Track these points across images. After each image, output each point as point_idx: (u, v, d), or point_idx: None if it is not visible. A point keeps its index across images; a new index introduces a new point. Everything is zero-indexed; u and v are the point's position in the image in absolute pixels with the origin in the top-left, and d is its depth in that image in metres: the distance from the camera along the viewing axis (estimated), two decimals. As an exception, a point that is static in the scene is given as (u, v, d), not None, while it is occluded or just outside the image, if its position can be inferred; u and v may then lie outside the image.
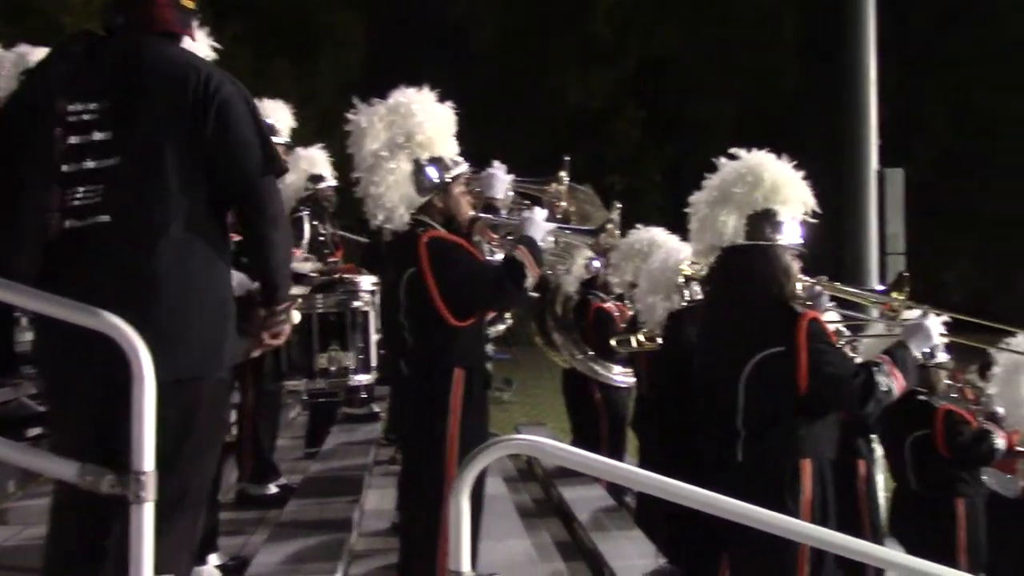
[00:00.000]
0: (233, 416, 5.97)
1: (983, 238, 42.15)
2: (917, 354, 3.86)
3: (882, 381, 3.64)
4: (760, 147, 3.86)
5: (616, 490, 6.79)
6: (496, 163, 4.43)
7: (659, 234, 5.52)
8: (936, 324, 3.94)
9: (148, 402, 2.33)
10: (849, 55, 10.25)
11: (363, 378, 4.79)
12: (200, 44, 4.27)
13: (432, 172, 3.95)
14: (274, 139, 5.52)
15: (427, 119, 3.99)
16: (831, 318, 4.96)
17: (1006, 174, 42.23)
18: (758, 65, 38.25)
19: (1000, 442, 5.69)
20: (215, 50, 4.35)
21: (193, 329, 2.67)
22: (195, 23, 3.02)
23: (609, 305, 6.86)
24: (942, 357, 5.92)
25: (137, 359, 2.33)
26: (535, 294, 7.02)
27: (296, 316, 3.09)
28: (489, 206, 4.32)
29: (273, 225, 2.82)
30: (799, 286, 3.91)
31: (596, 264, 6.68)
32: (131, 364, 2.33)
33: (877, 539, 5.94)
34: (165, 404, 2.40)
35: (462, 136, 4.21)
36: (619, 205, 4.98)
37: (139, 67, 2.73)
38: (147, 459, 2.34)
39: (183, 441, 2.63)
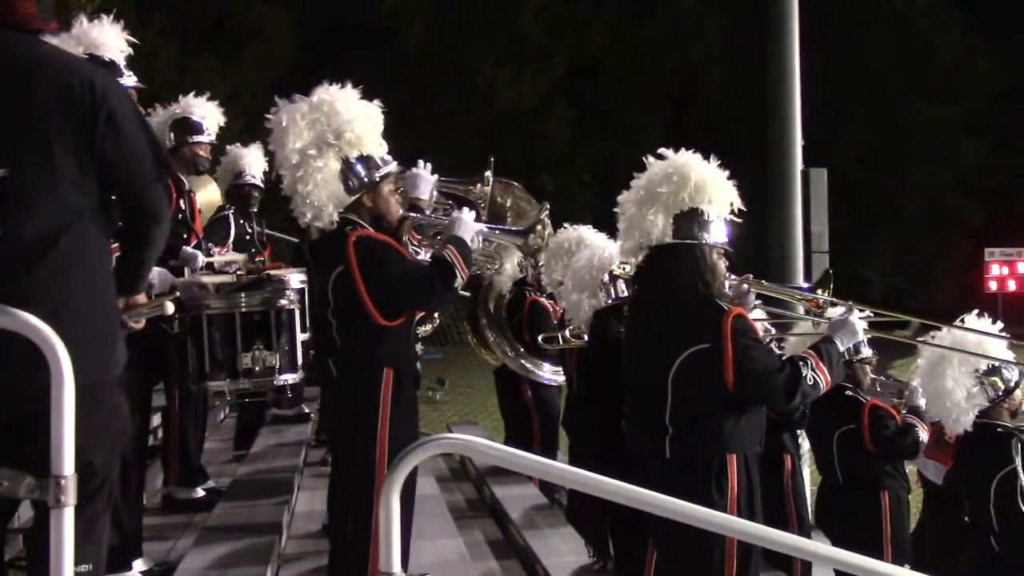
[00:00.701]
0: (157, 419, 5.88)
1: (902, 236, 43.28)
2: (842, 349, 3.93)
3: (808, 376, 3.71)
4: (688, 147, 3.90)
5: (548, 488, 6.81)
6: (421, 163, 4.41)
7: (587, 232, 5.54)
8: (860, 320, 4.02)
9: (68, 405, 2.28)
10: (772, 57, 10.42)
11: (289, 377, 4.73)
12: (117, 39, 4.21)
13: (361, 171, 3.92)
14: (199, 139, 5.54)
15: (356, 117, 3.96)
16: (757, 316, 5.04)
17: (923, 173, 43.42)
18: (685, 66, 38.71)
19: (923, 435, 5.84)
20: (135, 46, 4.29)
21: (89, 333, 2.68)
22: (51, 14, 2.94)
23: (544, 300, 6.87)
24: (867, 352, 6.06)
25: (56, 360, 2.27)
26: (466, 293, 7.02)
27: (170, 307, 3.14)
28: (413, 206, 4.30)
29: (158, 226, 2.91)
30: (726, 284, 3.95)
31: (528, 263, 6.69)
32: (50, 366, 2.27)
33: (804, 532, 6.05)
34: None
35: (391, 135, 4.19)
36: (548, 205, 4.98)
37: (18, 72, 2.67)
38: (67, 463, 2.28)
39: (90, 444, 2.60)
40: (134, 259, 2.97)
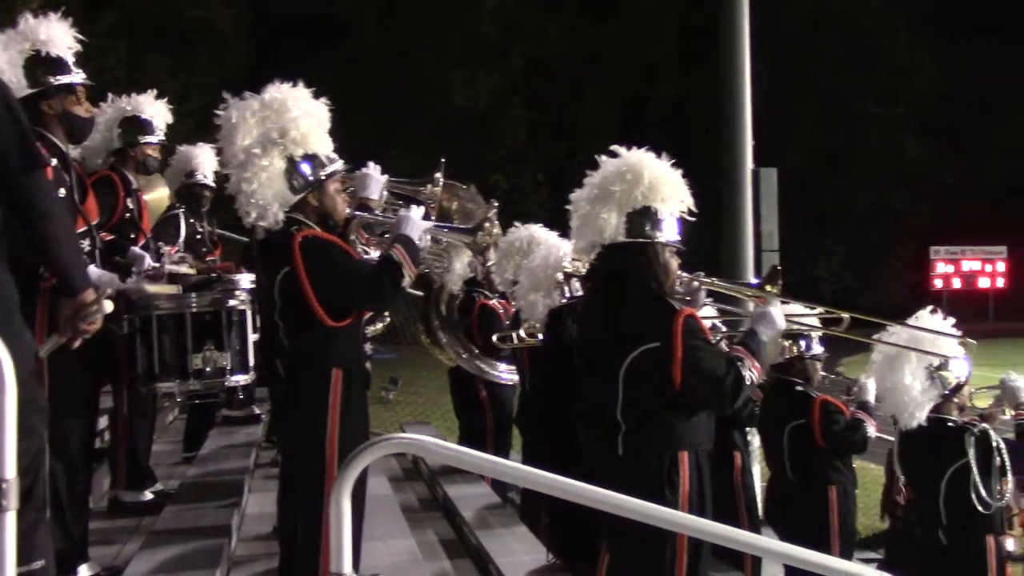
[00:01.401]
0: (104, 421, 5.79)
1: (851, 235, 43.92)
2: (765, 340, 3.97)
3: (746, 375, 3.76)
4: (643, 147, 3.92)
5: (501, 487, 6.82)
6: (371, 164, 4.38)
7: (538, 231, 5.55)
8: (781, 310, 4.06)
9: (9, 409, 2.23)
10: (723, 58, 10.54)
11: (240, 378, 4.68)
12: (64, 35, 4.14)
13: (306, 169, 3.89)
14: (149, 139, 5.46)
15: (301, 115, 3.93)
16: (708, 314, 5.08)
17: (871, 173, 44.11)
18: (640, 67, 38.98)
19: (871, 431, 5.93)
20: (82, 44, 4.22)
21: None
22: None
23: (493, 302, 6.87)
24: (817, 350, 6.14)
25: (-4, 363, 2.22)
26: (419, 293, 7.00)
27: (109, 305, 3.08)
28: (363, 206, 4.27)
29: (47, 219, 2.83)
30: (678, 282, 3.98)
31: (478, 261, 6.68)
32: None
33: (754, 528, 6.12)
34: None
35: (345, 134, 4.16)
36: (496, 203, 4.98)
37: None
38: (8, 466, 2.23)
39: None
40: (44, 260, 2.95)
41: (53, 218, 2.85)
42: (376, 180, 4.31)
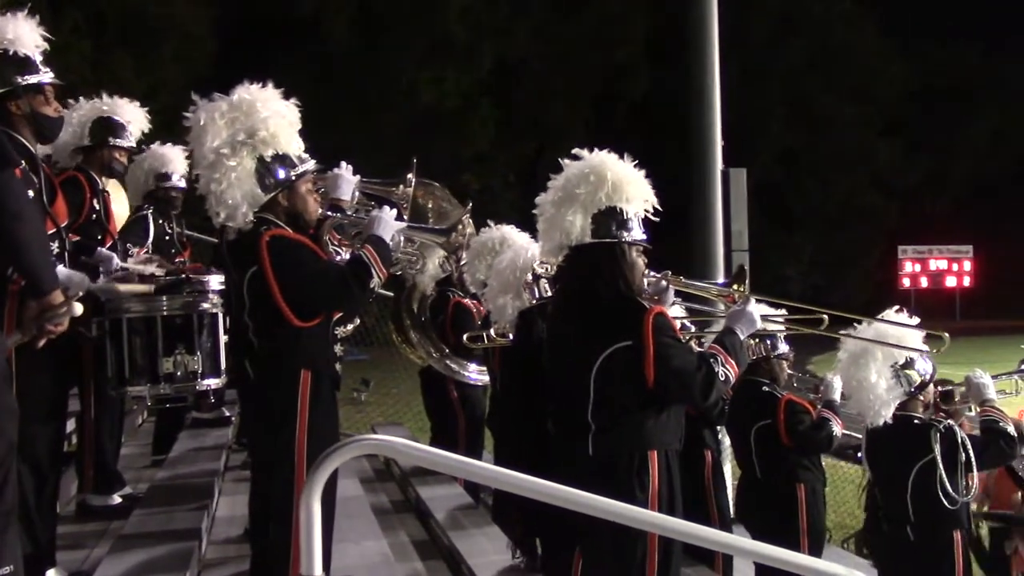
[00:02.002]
0: (72, 424, 5.73)
1: (820, 234, 44.30)
2: (743, 338, 4.01)
3: (720, 371, 3.79)
4: (611, 146, 3.94)
5: (473, 488, 6.82)
6: (343, 164, 4.37)
7: (509, 232, 5.56)
8: (758, 309, 4.10)
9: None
10: (692, 58, 10.58)
11: (212, 382, 4.65)
12: (32, 34, 4.10)
13: (276, 169, 3.87)
14: (119, 142, 5.40)
15: (271, 115, 3.91)
16: (677, 313, 5.11)
17: (840, 173, 44.49)
18: (609, 67, 39.09)
19: (837, 429, 5.98)
20: (49, 41, 4.17)
21: None
22: None
23: (467, 301, 6.87)
24: (783, 349, 6.18)
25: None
26: (389, 293, 6.98)
27: (78, 307, 3.06)
28: (335, 207, 4.26)
29: (16, 219, 2.84)
30: (645, 281, 4.00)
31: (450, 262, 6.68)
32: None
33: (725, 527, 6.16)
34: None
35: (314, 134, 4.14)
36: (471, 203, 4.98)
37: None
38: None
39: None
40: (14, 261, 2.93)
41: (23, 219, 2.84)
42: (348, 180, 4.31)
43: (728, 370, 3.85)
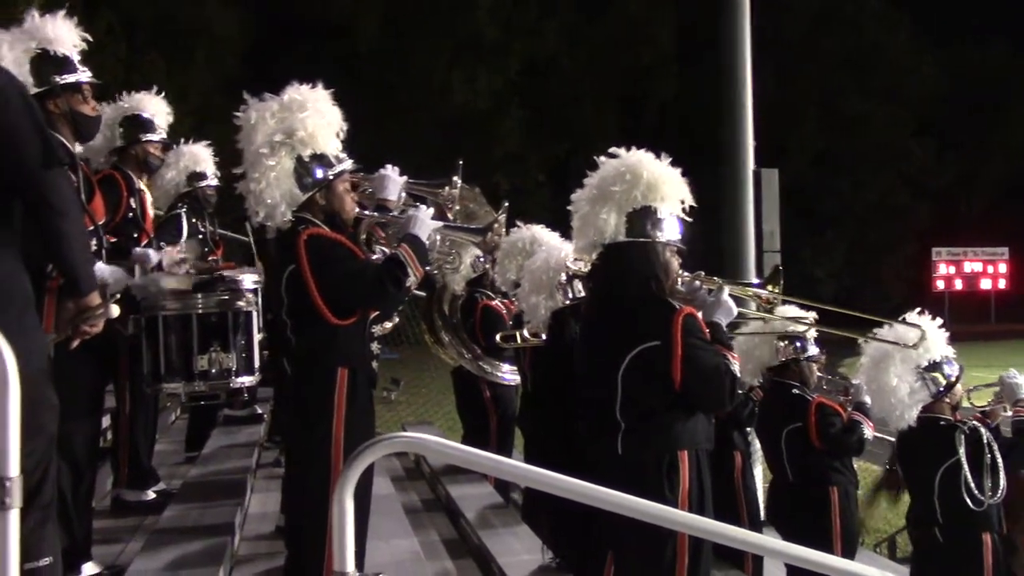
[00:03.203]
0: (107, 421, 5.80)
1: (852, 235, 43.93)
2: (724, 325, 3.99)
3: (736, 370, 3.79)
4: (641, 147, 3.93)
5: (503, 487, 6.83)
6: (389, 165, 4.39)
7: (540, 232, 5.57)
8: (729, 298, 4.09)
9: (12, 404, 2.23)
10: (725, 59, 10.54)
11: (246, 380, 4.68)
12: (70, 33, 4.15)
13: (314, 168, 3.90)
14: (151, 136, 5.46)
15: (309, 115, 3.94)
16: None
17: (872, 173, 44.10)
18: (639, 67, 38.99)
19: (868, 432, 5.94)
20: (86, 41, 4.23)
21: None
22: None
23: (496, 303, 6.88)
24: (813, 351, 6.15)
25: (0, 359, 2.22)
26: (421, 293, 7.00)
27: (115, 309, 3.08)
28: (382, 207, 4.28)
29: (63, 217, 2.83)
30: (679, 282, 3.99)
31: (483, 262, 6.70)
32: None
33: (755, 528, 6.13)
34: None
35: (343, 135, 4.15)
36: (506, 204, 4.99)
37: None
38: (12, 464, 2.24)
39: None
40: (55, 259, 2.94)
41: (69, 217, 2.85)
42: (394, 181, 4.32)
43: (736, 366, 3.85)
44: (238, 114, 4.05)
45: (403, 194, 4.37)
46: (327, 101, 4.03)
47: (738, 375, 3.85)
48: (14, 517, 2.24)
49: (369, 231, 4.29)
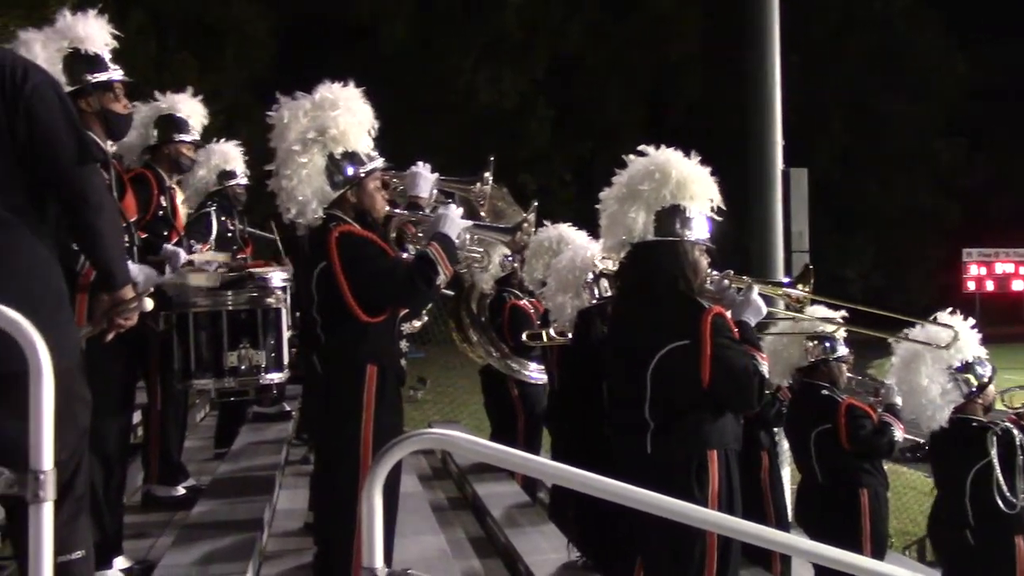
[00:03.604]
0: (138, 416, 5.85)
1: (881, 235, 43.56)
2: (753, 325, 3.97)
3: (764, 370, 3.77)
4: (668, 146, 3.92)
5: (530, 486, 6.84)
6: (420, 162, 4.40)
7: (567, 231, 5.57)
8: (759, 298, 4.06)
9: (46, 397, 2.25)
10: (753, 57, 10.47)
11: (275, 376, 4.71)
12: (101, 32, 4.20)
13: (345, 166, 3.92)
14: (184, 137, 5.51)
15: (341, 113, 3.96)
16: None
17: (901, 173, 43.70)
18: (664, 65, 38.84)
19: (899, 434, 5.89)
20: (117, 38, 4.27)
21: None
22: None
23: (524, 303, 6.89)
24: (843, 351, 6.10)
25: (35, 353, 2.24)
26: (450, 292, 7.02)
27: (148, 303, 3.11)
28: (414, 205, 4.29)
29: (98, 213, 2.87)
30: (708, 281, 3.98)
31: (510, 261, 6.71)
32: (28, 358, 2.24)
33: (783, 529, 6.09)
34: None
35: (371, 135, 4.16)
36: (535, 203, 5.00)
37: None
38: (46, 457, 2.26)
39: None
40: (90, 254, 2.99)
41: (103, 212, 2.89)
42: (426, 178, 4.33)
43: (765, 366, 3.84)
44: (270, 113, 4.07)
45: (434, 191, 4.38)
46: (359, 99, 4.04)
47: (767, 375, 3.84)
48: (48, 510, 2.26)
49: (400, 228, 4.31)
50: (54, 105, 2.77)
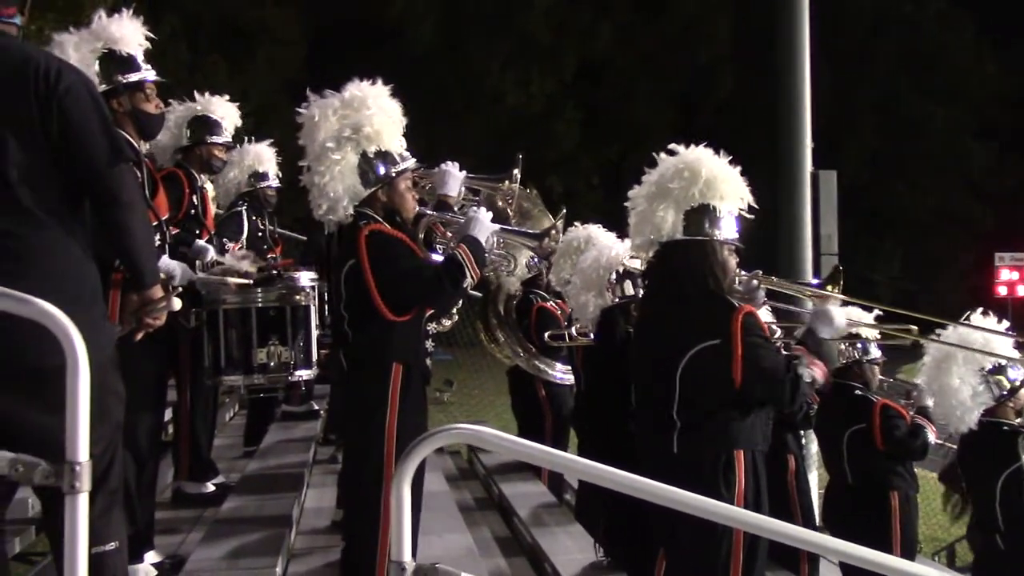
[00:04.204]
0: (169, 414, 5.91)
1: (911, 239, 43.16)
2: (826, 337, 3.94)
3: (805, 373, 3.74)
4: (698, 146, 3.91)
5: (556, 486, 6.83)
6: (449, 161, 4.43)
7: (596, 231, 5.57)
8: (842, 311, 4.03)
9: (83, 390, 2.29)
10: (783, 59, 10.41)
11: (303, 373, 4.76)
12: (135, 33, 4.25)
13: (378, 165, 3.95)
14: (216, 139, 5.57)
15: (375, 112, 3.99)
16: (765, 317, 5.05)
17: (932, 176, 43.28)
18: (693, 68, 38.66)
19: (931, 437, 5.85)
20: (151, 41, 4.32)
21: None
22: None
23: (551, 304, 6.90)
24: (875, 353, 6.06)
25: (72, 346, 2.27)
26: (477, 294, 7.04)
27: (177, 302, 3.14)
28: (442, 203, 4.32)
29: (130, 211, 2.89)
30: (736, 280, 3.97)
31: (536, 262, 6.72)
32: (65, 352, 2.28)
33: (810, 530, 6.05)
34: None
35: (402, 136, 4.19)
36: (564, 209, 5.01)
37: None
38: (82, 449, 2.29)
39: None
40: (120, 252, 3.00)
41: (134, 212, 2.92)
42: (455, 177, 4.36)
43: (815, 372, 3.79)
44: (300, 110, 4.10)
45: (462, 189, 4.41)
46: (386, 97, 4.07)
47: (815, 379, 3.79)
48: (83, 501, 2.30)
49: (429, 228, 4.33)
50: (87, 105, 2.80)
